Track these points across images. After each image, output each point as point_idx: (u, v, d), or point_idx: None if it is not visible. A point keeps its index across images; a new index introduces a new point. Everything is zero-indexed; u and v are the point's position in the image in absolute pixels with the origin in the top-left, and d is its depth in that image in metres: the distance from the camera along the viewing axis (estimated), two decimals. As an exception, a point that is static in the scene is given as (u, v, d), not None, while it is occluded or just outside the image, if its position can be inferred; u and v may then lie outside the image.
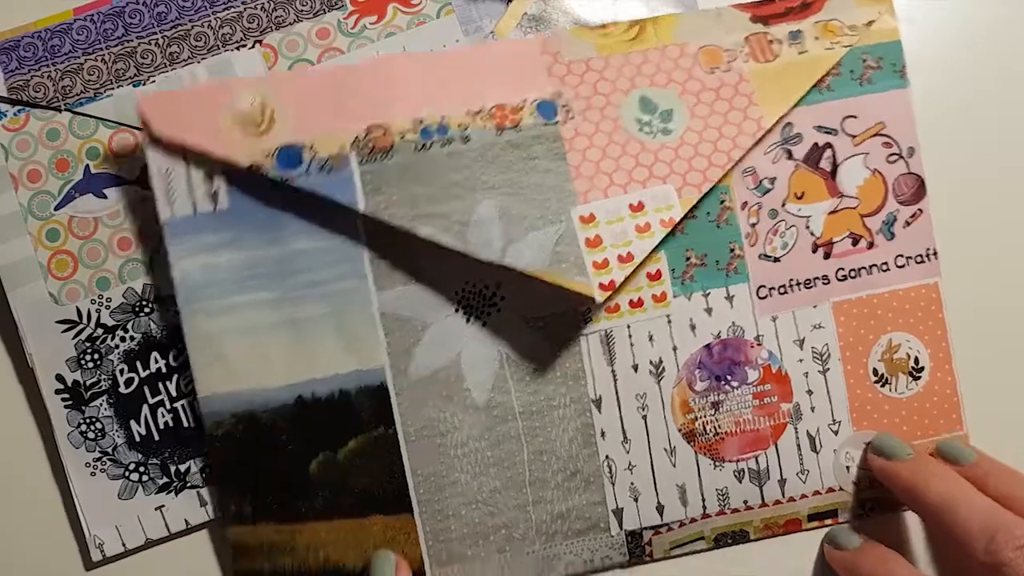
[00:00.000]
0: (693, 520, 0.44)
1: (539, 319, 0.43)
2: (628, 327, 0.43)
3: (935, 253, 0.45)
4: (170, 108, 0.41)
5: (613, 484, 0.43)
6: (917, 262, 0.45)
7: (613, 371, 0.43)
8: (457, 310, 0.43)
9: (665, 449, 0.44)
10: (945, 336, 0.45)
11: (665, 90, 0.43)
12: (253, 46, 0.44)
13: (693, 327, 0.44)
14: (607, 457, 0.43)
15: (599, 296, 0.41)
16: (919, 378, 0.45)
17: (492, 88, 0.43)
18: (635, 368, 0.43)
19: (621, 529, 0.43)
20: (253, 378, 0.42)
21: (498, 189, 0.41)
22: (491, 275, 0.42)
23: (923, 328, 0.45)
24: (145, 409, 0.43)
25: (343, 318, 0.42)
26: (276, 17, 0.44)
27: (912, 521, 0.45)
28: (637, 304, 0.43)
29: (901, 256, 0.45)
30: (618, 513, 0.43)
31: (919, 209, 0.45)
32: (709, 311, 0.44)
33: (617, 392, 0.43)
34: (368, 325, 0.42)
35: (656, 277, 0.43)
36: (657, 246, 0.42)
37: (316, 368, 0.42)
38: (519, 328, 0.43)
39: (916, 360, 0.45)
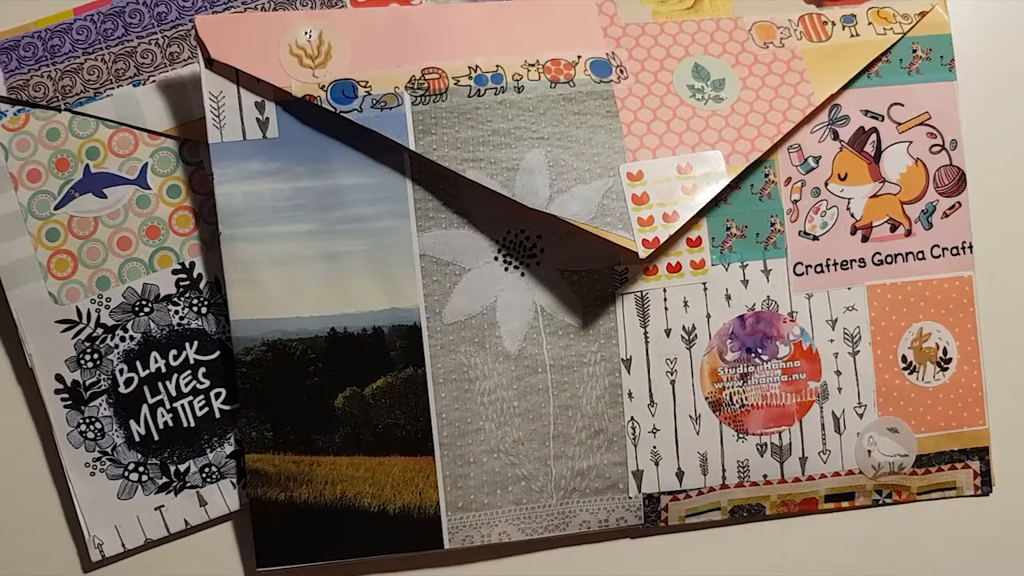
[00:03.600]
0: (711, 489, 0.44)
1: (577, 273, 0.43)
2: (664, 290, 0.43)
3: (971, 247, 0.45)
4: (228, 33, 0.41)
5: (636, 446, 0.43)
6: (953, 254, 0.45)
7: (646, 333, 0.43)
8: (496, 258, 0.43)
9: (690, 416, 0.44)
10: (975, 330, 0.45)
11: (718, 60, 0.44)
12: None
13: (728, 297, 0.44)
14: (632, 418, 0.43)
15: (642, 252, 0.41)
16: (946, 369, 0.45)
17: (548, 42, 0.43)
18: (667, 332, 0.43)
19: (639, 492, 0.43)
20: (287, 307, 0.42)
21: (548, 140, 0.42)
22: (534, 225, 0.43)
23: (954, 320, 0.45)
24: (145, 409, 0.43)
25: (382, 256, 0.42)
26: None
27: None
28: (675, 269, 0.43)
29: (937, 246, 0.45)
30: (638, 475, 0.43)
31: (958, 202, 0.45)
32: (745, 283, 0.44)
33: (648, 354, 0.43)
34: (407, 265, 0.42)
35: (696, 244, 0.44)
36: (699, 213, 0.42)
37: (351, 303, 0.42)
38: (557, 281, 0.43)
39: (944, 351, 0.45)
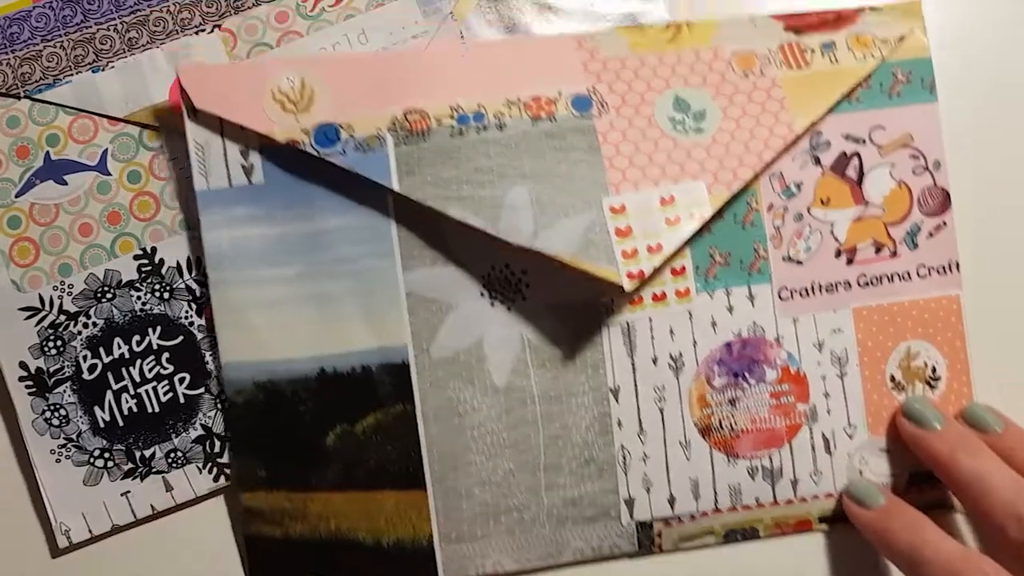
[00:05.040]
0: (704, 514, 0.44)
1: (563, 306, 0.43)
2: (650, 320, 0.44)
3: (957, 265, 0.45)
4: (210, 81, 0.42)
5: (626, 473, 0.44)
6: (939, 273, 0.45)
7: (633, 362, 0.44)
8: (483, 293, 0.43)
9: (680, 442, 0.44)
10: (964, 348, 0.45)
11: (699, 91, 0.44)
12: (212, 30, 0.44)
13: (714, 324, 0.44)
14: (622, 446, 0.44)
15: (627, 285, 0.41)
16: (935, 387, 0.45)
17: (529, 80, 0.43)
18: (654, 360, 0.44)
19: (632, 519, 0.44)
20: (277, 349, 0.42)
21: (531, 176, 0.42)
22: (518, 260, 0.43)
23: (942, 339, 0.45)
24: (109, 395, 0.43)
25: (369, 295, 0.43)
26: (235, 1, 0.44)
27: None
28: (660, 298, 0.44)
29: (923, 266, 0.45)
30: (630, 503, 0.44)
31: (943, 221, 0.46)
32: (731, 309, 0.44)
33: (636, 383, 0.44)
34: (393, 304, 0.43)
35: (680, 273, 0.44)
36: (683, 243, 0.43)
37: (340, 343, 0.42)
38: (543, 314, 0.43)
39: (933, 369, 0.45)
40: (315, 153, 0.42)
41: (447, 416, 0.43)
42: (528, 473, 0.43)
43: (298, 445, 0.42)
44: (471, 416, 0.43)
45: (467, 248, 0.43)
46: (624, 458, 0.44)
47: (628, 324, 0.44)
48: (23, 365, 0.43)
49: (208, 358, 0.44)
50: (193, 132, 0.42)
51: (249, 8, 0.44)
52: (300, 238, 0.42)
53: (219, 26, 0.44)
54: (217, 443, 0.44)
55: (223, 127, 0.42)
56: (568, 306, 0.43)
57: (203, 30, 0.44)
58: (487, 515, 0.43)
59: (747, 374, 0.44)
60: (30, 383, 0.43)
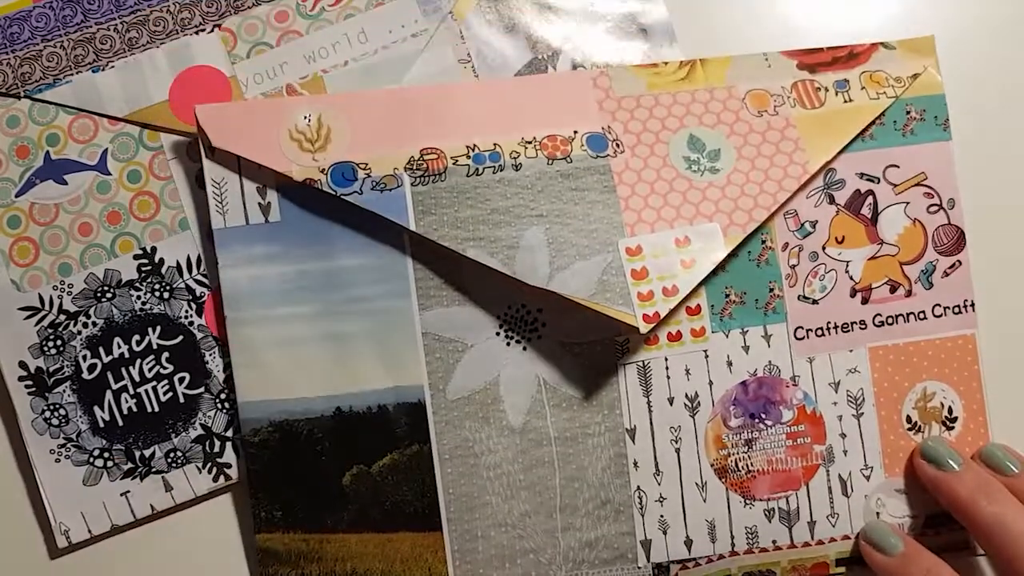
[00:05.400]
0: (721, 557, 0.44)
1: (579, 345, 0.43)
2: (666, 359, 0.44)
3: (972, 305, 0.45)
4: (227, 120, 0.42)
5: (643, 515, 0.43)
6: (954, 312, 0.45)
7: (649, 402, 0.44)
8: (498, 333, 0.43)
9: (696, 483, 0.44)
10: (980, 388, 0.45)
11: (713, 130, 0.44)
12: (212, 30, 0.44)
13: (730, 363, 0.44)
14: (638, 488, 0.43)
15: (643, 327, 0.41)
16: (952, 428, 0.45)
17: (545, 119, 0.44)
18: (671, 401, 0.44)
19: (648, 561, 0.43)
20: (293, 388, 0.42)
21: (547, 217, 0.42)
22: (534, 300, 0.43)
23: (958, 379, 0.45)
24: (108, 395, 0.43)
25: (385, 335, 0.43)
26: (235, 1, 0.44)
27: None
28: (676, 338, 0.44)
29: (939, 306, 0.45)
30: (646, 545, 0.43)
31: (958, 260, 0.46)
32: (746, 348, 0.44)
33: (652, 423, 0.44)
34: (409, 343, 0.43)
35: (696, 312, 0.44)
36: (699, 282, 0.43)
37: (356, 382, 0.42)
38: (559, 354, 0.43)
39: (950, 410, 0.45)
40: (332, 192, 0.42)
41: (463, 457, 0.43)
42: (544, 515, 0.43)
43: (314, 485, 0.42)
44: (487, 457, 0.43)
45: (484, 288, 0.43)
46: (640, 499, 0.43)
47: (644, 364, 0.44)
48: (23, 365, 0.43)
49: (208, 358, 0.43)
50: (210, 170, 0.42)
51: (249, 8, 0.44)
52: (317, 277, 0.42)
53: (219, 26, 0.44)
54: (217, 443, 0.43)
55: (240, 165, 0.42)
56: (584, 345, 0.43)
57: (203, 30, 0.44)
58: (503, 557, 0.43)
59: (763, 415, 0.44)
60: (30, 383, 0.43)
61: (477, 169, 0.43)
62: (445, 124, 0.43)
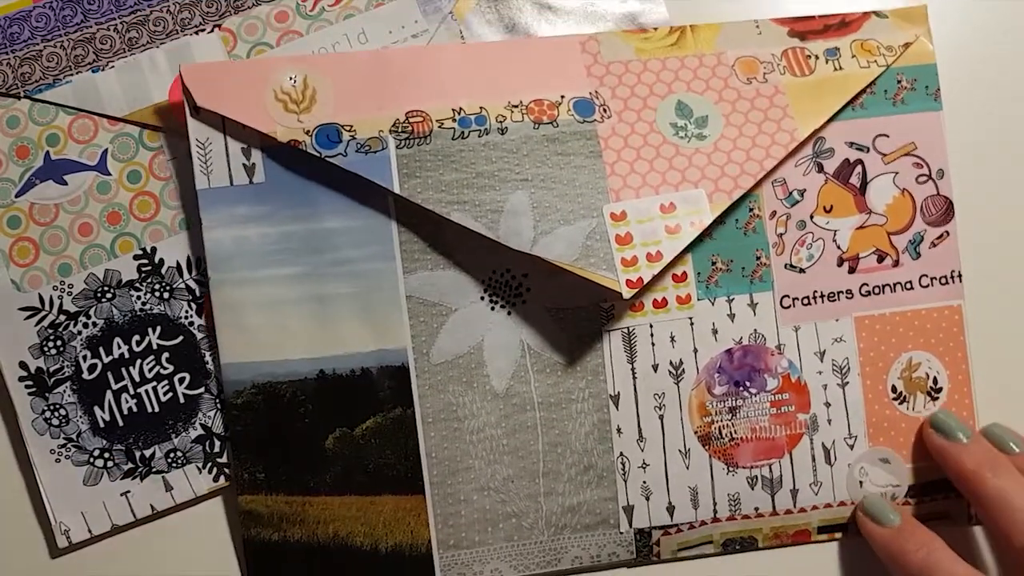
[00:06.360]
0: (703, 523, 0.44)
1: (563, 311, 0.43)
2: (651, 326, 0.44)
3: (959, 275, 0.45)
4: (213, 80, 0.42)
5: (626, 481, 0.43)
6: (941, 283, 0.45)
7: (633, 369, 0.44)
8: (483, 297, 0.43)
9: (680, 450, 0.44)
10: (965, 358, 0.45)
11: (701, 97, 0.44)
12: (212, 30, 0.44)
13: (715, 331, 0.44)
14: (621, 454, 0.43)
15: (626, 292, 0.41)
16: (937, 398, 0.45)
17: (531, 83, 0.43)
18: (655, 368, 0.44)
19: (631, 527, 0.44)
20: (276, 350, 0.42)
21: (532, 181, 0.42)
22: (519, 265, 0.43)
23: (944, 349, 0.45)
24: (108, 395, 0.43)
25: (369, 298, 0.42)
26: (235, 1, 0.44)
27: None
28: (661, 304, 0.44)
29: (926, 276, 0.45)
30: (628, 511, 0.44)
31: (946, 231, 0.45)
32: (732, 316, 0.44)
33: (636, 390, 0.44)
34: (393, 307, 0.42)
35: (682, 279, 0.44)
36: (685, 249, 0.43)
37: (339, 345, 0.42)
38: (543, 319, 0.43)
39: (935, 380, 0.45)
40: (317, 154, 0.41)
41: (446, 420, 0.43)
42: (527, 480, 0.43)
43: (297, 448, 0.42)
44: (470, 421, 0.43)
45: (468, 252, 0.43)
46: (623, 465, 0.44)
47: (629, 330, 0.44)
48: (23, 365, 0.43)
49: (208, 358, 0.43)
50: (195, 130, 0.42)
51: (249, 8, 0.44)
52: (301, 238, 0.42)
53: (219, 26, 0.44)
54: (217, 443, 0.43)
55: (225, 125, 0.42)
56: (568, 311, 0.43)
57: (203, 30, 0.44)
58: (486, 521, 0.43)
59: (747, 383, 0.44)
60: (30, 383, 0.43)
61: (463, 132, 0.42)
62: (431, 87, 0.43)
